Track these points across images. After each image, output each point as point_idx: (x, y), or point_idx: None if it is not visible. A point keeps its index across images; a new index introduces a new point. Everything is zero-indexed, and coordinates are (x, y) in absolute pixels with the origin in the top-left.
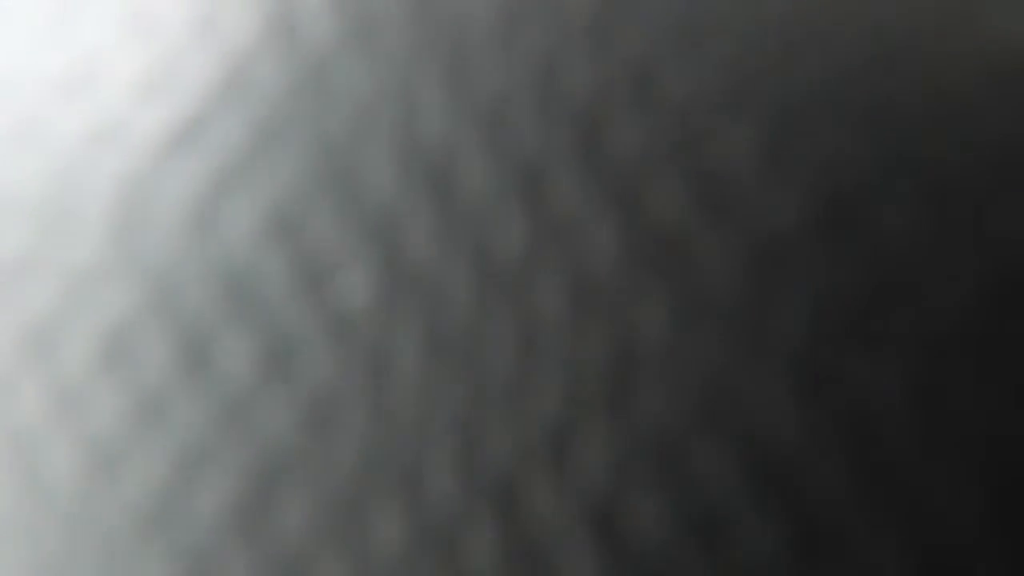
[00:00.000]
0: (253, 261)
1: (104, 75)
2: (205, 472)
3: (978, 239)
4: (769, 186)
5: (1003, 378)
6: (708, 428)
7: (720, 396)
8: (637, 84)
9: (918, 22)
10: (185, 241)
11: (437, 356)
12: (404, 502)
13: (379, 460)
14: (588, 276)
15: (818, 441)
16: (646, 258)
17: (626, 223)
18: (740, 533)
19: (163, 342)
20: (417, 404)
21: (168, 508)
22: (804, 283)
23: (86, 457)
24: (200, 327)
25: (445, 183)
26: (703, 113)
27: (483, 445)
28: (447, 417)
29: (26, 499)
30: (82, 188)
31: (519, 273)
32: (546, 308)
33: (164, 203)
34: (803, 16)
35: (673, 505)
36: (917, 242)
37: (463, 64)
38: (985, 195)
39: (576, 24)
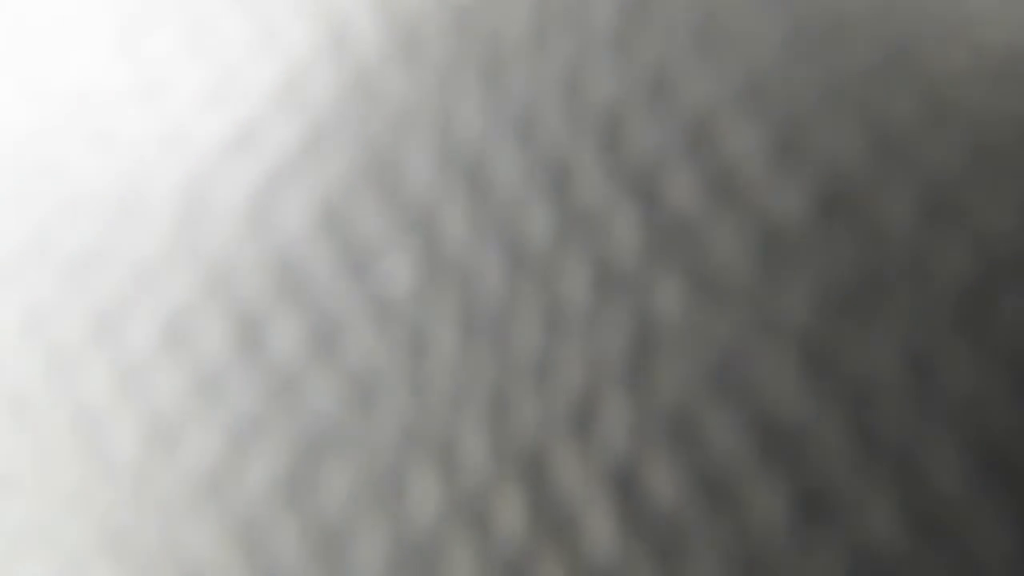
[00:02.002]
0: (303, 251)
1: (170, 85)
2: (256, 445)
3: (968, 227)
4: (777, 178)
5: (991, 354)
6: (720, 399)
7: (731, 370)
8: (655, 87)
9: (911, 33)
10: (241, 233)
11: (470, 336)
12: (439, 471)
13: (416, 433)
14: (609, 261)
15: (821, 411)
16: (663, 244)
17: (644, 213)
18: (749, 496)
19: (219, 325)
20: (452, 380)
21: (221, 478)
22: (809, 266)
23: (146, 431)
24: (253, 311)
25: (479, 178)
26: (716, 112)
27: (512, 417)
28: (479, 392)
29: (90, 469)
30: (149, 186)
31: (546, 259)
32: (571, 291)
33: (223, 199)
34: (808, 26)
35: (688, 471)
36: (912, 228)
37: (497, 71)
38: (974, 186)
39: (599, 34)
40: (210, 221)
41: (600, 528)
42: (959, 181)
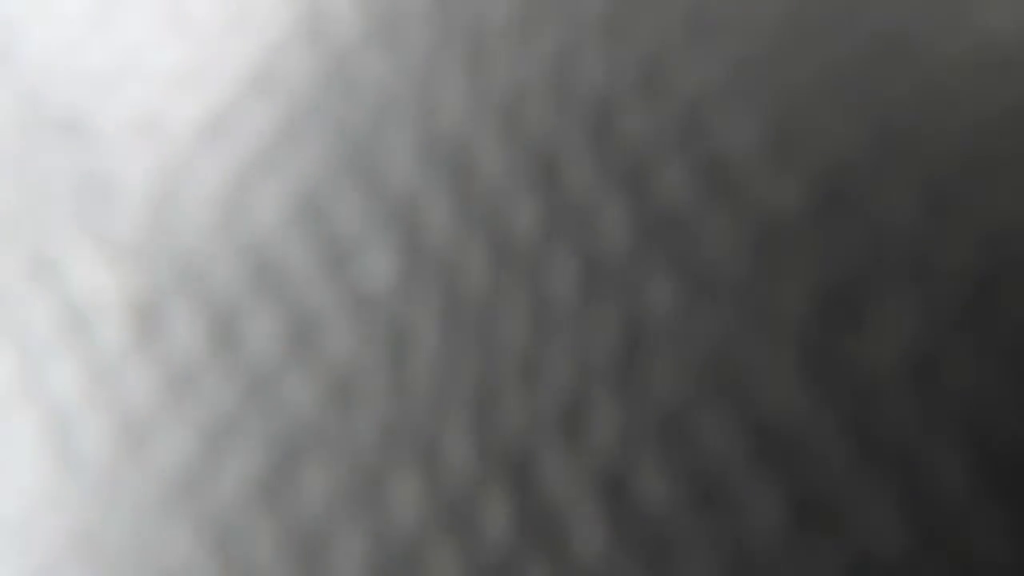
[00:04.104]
0: (279, 244)
1: (141, 69)
2: (231, 445)
3: (971, 221)
4: (772, 170)
5: (995, 354)
6: (713, 401)
7: (725, 370)
8: (646, 75)
9: (911, 19)
10: (215, 225)
11: (454, 333)
12: (421, 473)
13: (397, 433)
14: (598, 256)
15: (818, 411)
16: (654, 239)
17: (635, 206)
18: (743, 500)
19: (193, 321)
20: (434, 379)
21: (195, 479)
22: (805, 261)
23: (118, 430)
24: (228, 306)
25: (463, 170)
26: (709, 102)
27: (497, 418)
28: (463, 392)
29: (60, 470)
30: (119, 175)
31: (533, 254)
32: (558, 286)
33: (196, 189)
34: (804, 12)
35: (680, 474)
36: (913, 223)
37: (481, 57)
38: (978, 178)
39: (589, 19)
40: (183, 212)
41: (589, 532)
42: (962, 173)
